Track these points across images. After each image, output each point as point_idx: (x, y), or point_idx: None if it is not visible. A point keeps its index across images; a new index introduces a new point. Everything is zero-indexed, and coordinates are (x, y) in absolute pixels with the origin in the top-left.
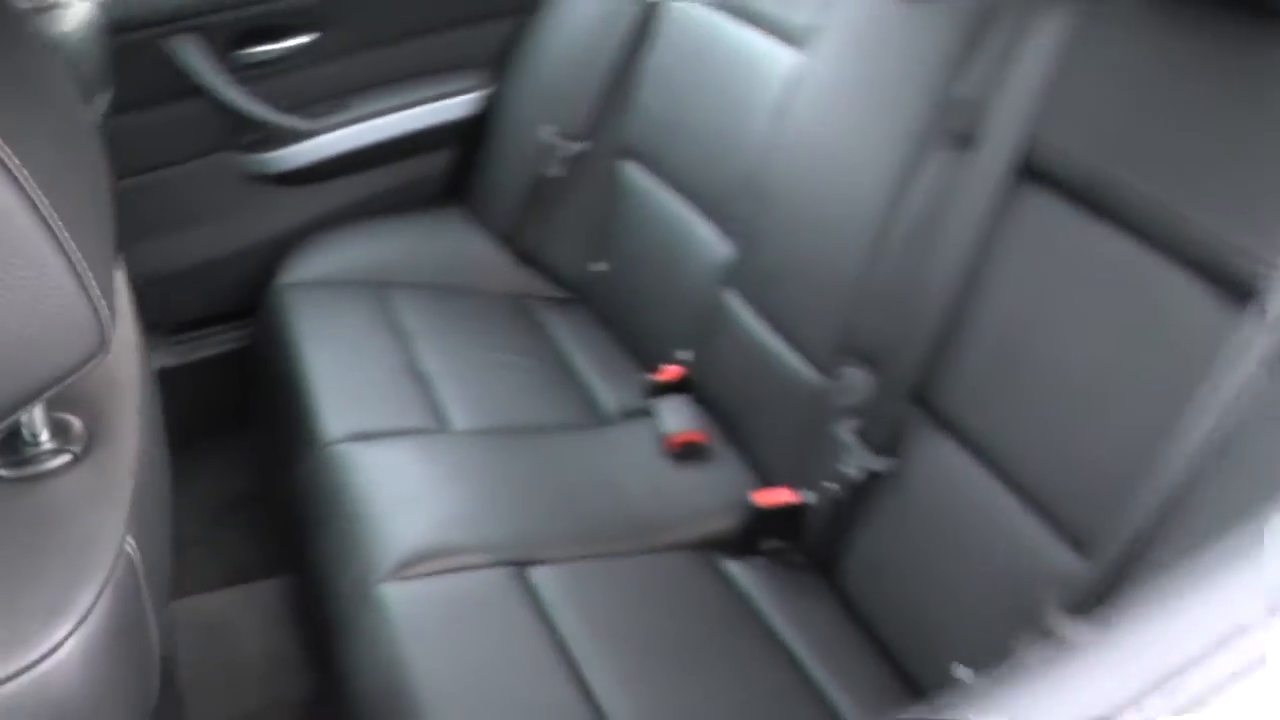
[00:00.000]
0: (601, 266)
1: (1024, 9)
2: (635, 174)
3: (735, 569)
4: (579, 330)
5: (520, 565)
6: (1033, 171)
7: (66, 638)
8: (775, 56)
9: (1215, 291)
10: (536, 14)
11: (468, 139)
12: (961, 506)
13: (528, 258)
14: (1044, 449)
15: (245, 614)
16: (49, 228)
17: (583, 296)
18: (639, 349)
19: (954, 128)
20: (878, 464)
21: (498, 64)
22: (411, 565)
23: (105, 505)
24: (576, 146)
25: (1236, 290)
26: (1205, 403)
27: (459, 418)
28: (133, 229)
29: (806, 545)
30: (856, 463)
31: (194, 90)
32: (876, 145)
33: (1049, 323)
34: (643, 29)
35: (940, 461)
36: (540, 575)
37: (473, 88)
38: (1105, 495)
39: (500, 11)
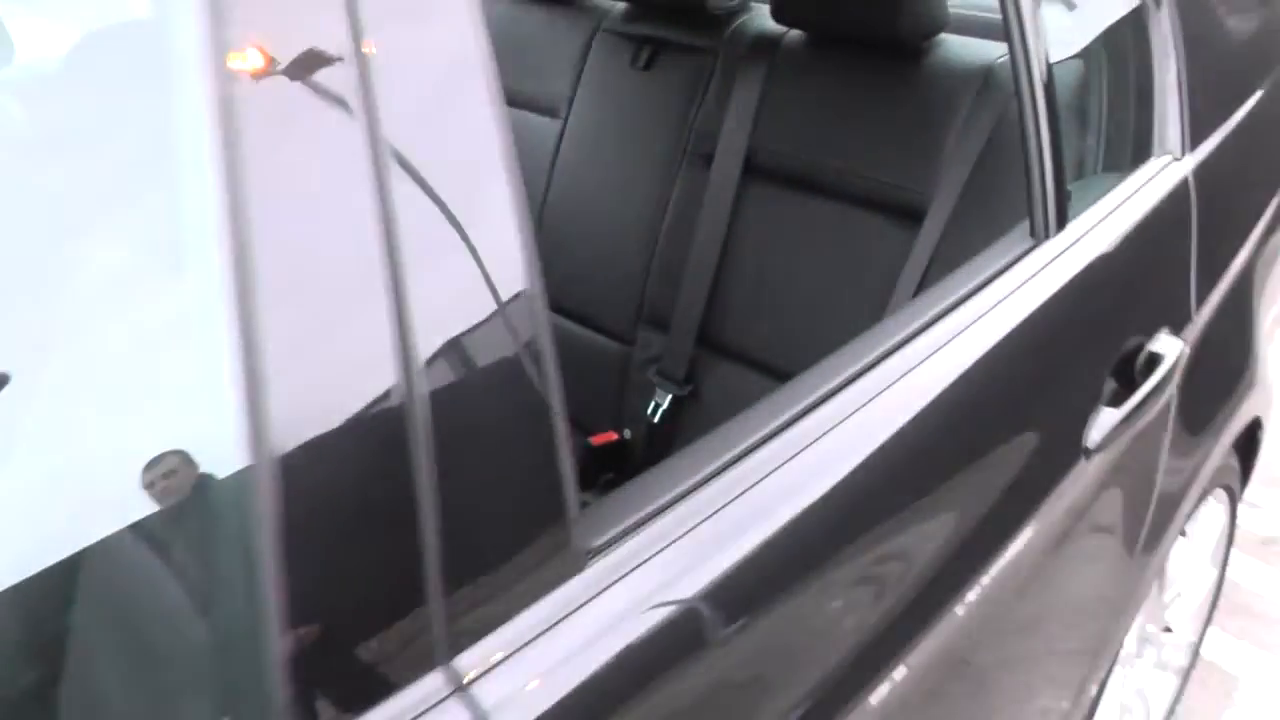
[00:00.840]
0: None
1: (727, 70)
2: None
3: None
4: None
5: None
6: (756, 171)
7: None
8: (543, 125)
9: (895, 221)
10: None
11: None
12: (746, 406)
13: None
14: (796, 346)
15: None
16: None
17: None
18: None
19: (697, 151)
20: (680, 391)
21: None
22: None
23: None
24: None
25: (908, 217)
26: (900, 291)
27: None
28: None
29: (631, 471)
30: (661, 396)
31: None
32: (637, 173)
33: (786, 266)
34: None
35: (726, 379)
36: None
37: None
38: None
39: None
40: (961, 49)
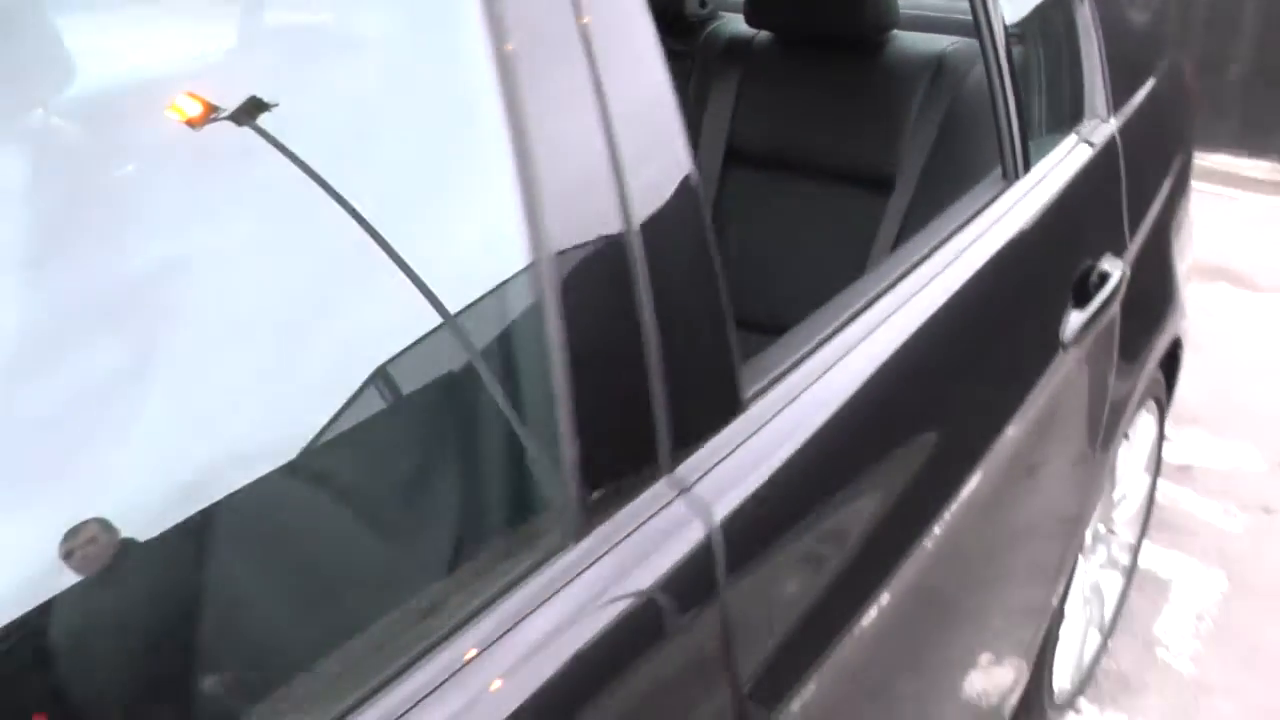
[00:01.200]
0: None
1: (704, 71)
2: None
3: None
4: None
5: None
6: (736, 158)
7: None
8: None
9: (868, 189)
10: None
11: None
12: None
13: None
14: (788, 305)
15: None
16: None
17: None
18: None
19: None
20: None
21: None
22: None
23: None
24: None
25: (880, 185)
26: (879, 248)
27: None
28: None
29: None
30: None
31: None
32: None
33: (771, 238)
34: None
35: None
36: None
37: None
38: None
39: None
40: (914, 41)
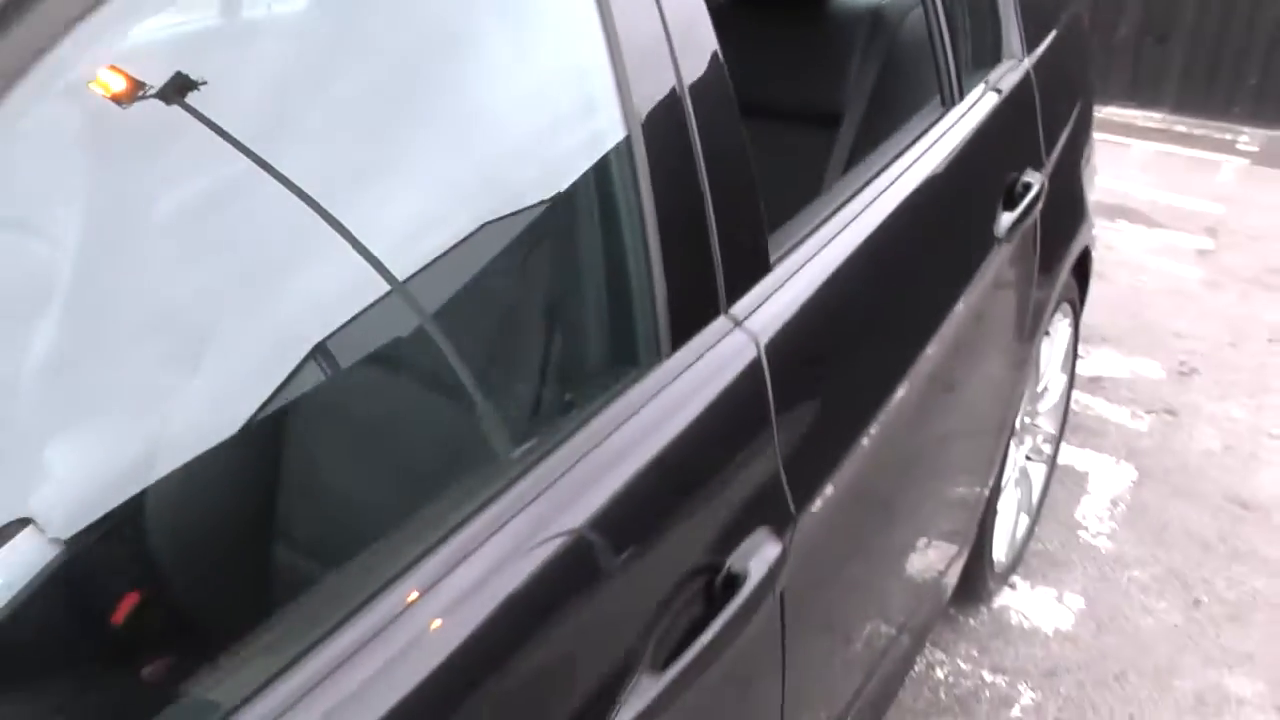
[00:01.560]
0: None
1: None
2: None
3: None
4: None
5: None
6: None
7: None
8: None
9: (817, 127)
10: None
11: None
12: None
13: None
14: None
15: None
16: None
17: None
18: None
19: None
20: None
21: None
22: None
23: None
24: None
25: (828, 122)
26: (830, 174)
27: None
28: None
29: None
30: None
31: None
32: None
33: None
34: None
35: None
36: None
37: None
38: None
39: None
40: None
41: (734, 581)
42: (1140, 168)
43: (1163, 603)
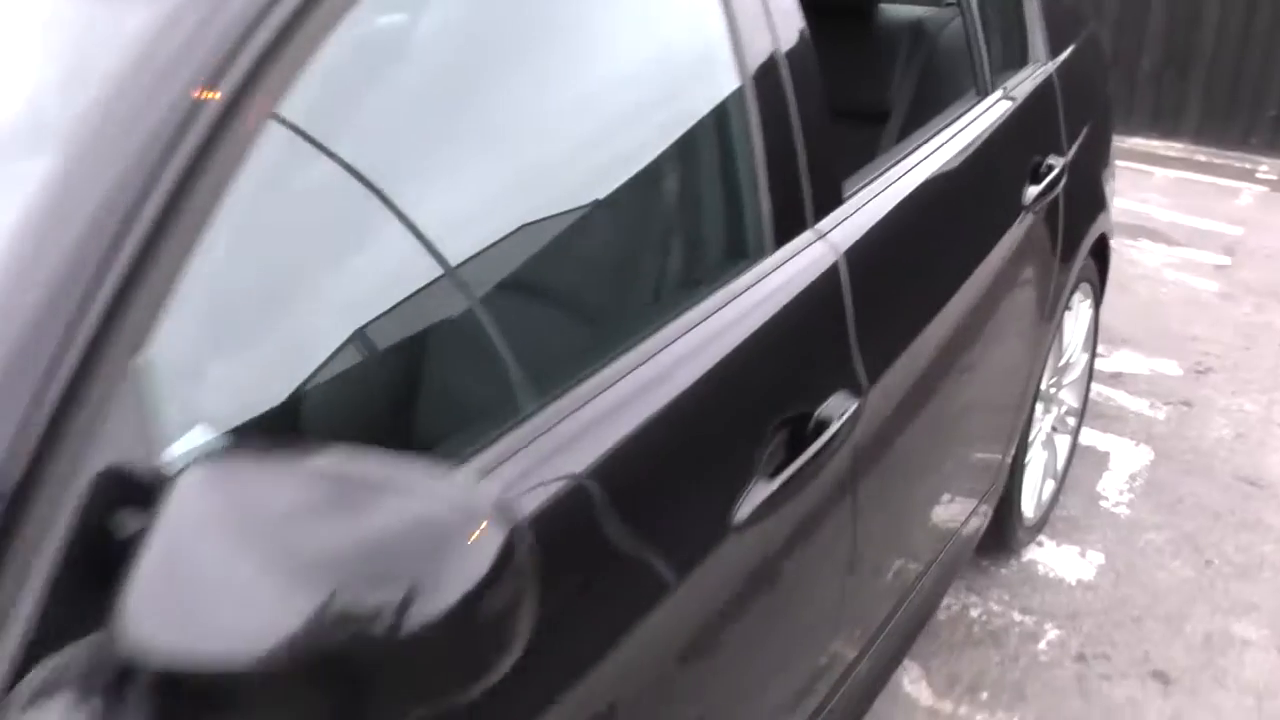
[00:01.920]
0: None
1: None
2: None
3: None
4: None
5: None
6: None
7: None
8: None
9: (864, 122)
10: None
11: None
12: None
13: None
14: None
15: None
16: None
17: None
18: None
19: None
20: None
21: None
22: None
23: None
24: None
25: (877, 119)
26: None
27: None
28: None
29: None
30: None
31: None
32: None
33: None
34: None
35: None
36: None
37: None
38: None
39: None
40: (895, 10)
41: (821, 426)
42: (1161, 192)
43: (1176, 561)
